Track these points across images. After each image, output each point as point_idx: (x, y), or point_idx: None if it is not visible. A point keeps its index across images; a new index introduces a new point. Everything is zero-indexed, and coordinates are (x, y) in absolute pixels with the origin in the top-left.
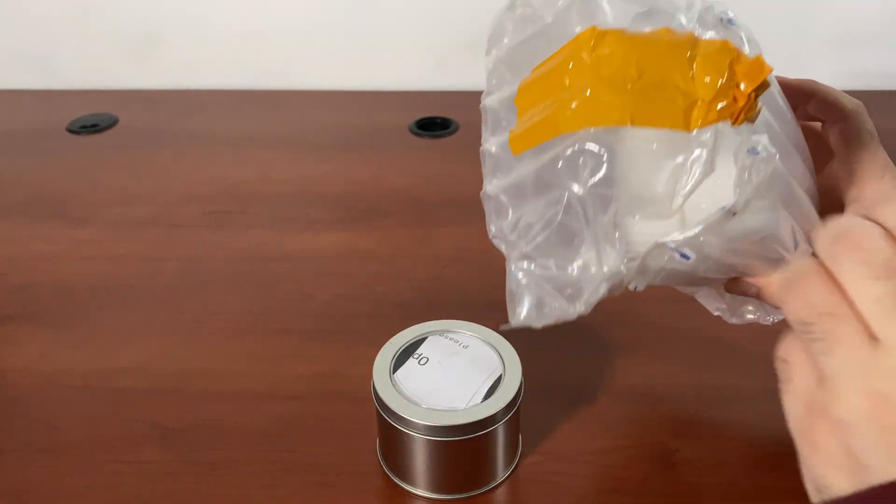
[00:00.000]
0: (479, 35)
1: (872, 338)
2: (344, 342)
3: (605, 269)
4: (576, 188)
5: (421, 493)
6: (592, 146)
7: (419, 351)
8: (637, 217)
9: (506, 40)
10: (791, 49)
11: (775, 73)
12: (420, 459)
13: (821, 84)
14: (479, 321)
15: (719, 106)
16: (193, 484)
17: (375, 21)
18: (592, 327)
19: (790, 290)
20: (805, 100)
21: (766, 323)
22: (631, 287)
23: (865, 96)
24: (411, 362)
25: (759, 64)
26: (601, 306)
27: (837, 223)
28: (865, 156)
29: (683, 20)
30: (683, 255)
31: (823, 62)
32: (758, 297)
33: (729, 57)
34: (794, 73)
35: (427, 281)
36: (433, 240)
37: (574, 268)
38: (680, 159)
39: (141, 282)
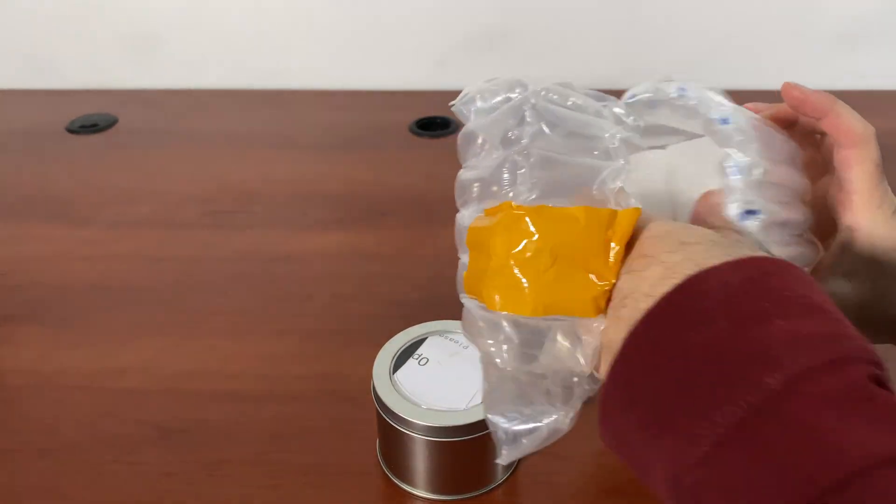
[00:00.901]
0: (479, 35)
1: None
2: (344, 342)
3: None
4: (508, 368)
5: (421, 494)
6: (512, 333)
7: (419, 351)
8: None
9: (469, 172)
10: (792, 49)
11: (782, 76)
12: (420, 460)
13: (837, 104)
14: None
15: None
16: (193, 484)
17: (375, 21)
18: None
19: None
20: (818, 115)
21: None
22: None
23: (865, 96)
24: (411, 363)
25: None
26: None
27: None
28: (867, 186)
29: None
30: None
31: (823, 62)
32: None
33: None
34: (795, 74)
35: (427, 281)
36: (433, 240)
37: (540, 421)
38: (589, 340)
39: (141, 282)
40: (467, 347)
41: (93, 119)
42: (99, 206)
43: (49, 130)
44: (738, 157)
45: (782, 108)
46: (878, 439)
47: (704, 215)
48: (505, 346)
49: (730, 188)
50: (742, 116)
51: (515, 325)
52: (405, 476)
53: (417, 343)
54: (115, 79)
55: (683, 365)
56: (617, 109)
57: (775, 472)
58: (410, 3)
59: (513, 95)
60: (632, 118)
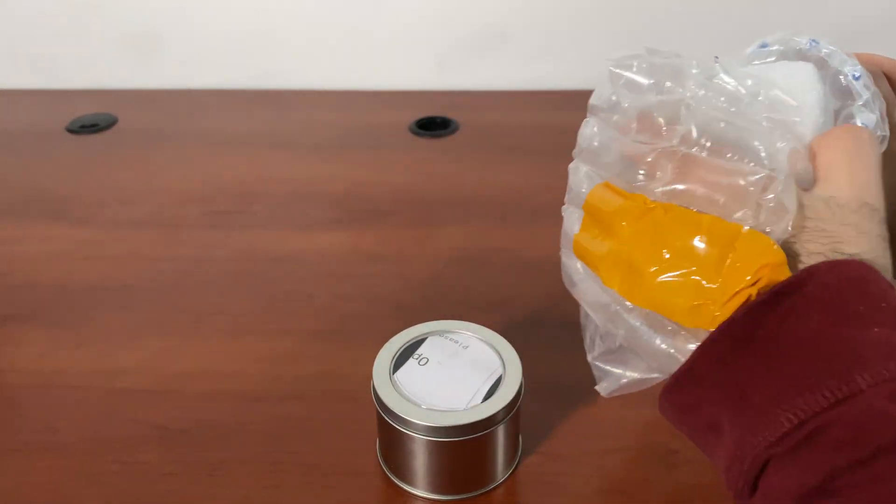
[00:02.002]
0: (479, 35)
1: None
2: (344, 342)
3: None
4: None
5: (421, 494)
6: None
7: (419, 351)
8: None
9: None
10: None
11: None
12: (420, 460)
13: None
14: (479, 321)
15: (716, 313)
16: (193, 484)
17: (375, 21)
18: None
19: None
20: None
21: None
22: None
23: None
24: (411, 363)
25: (778, 268)
26: None
27: None
28: None
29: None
30: None
31: None
32: None
33: (760, 258)
34: None
35: (427, 281)
36: (433, 240)
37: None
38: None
39: (141, 282)
40: (467, 347)
41: (93, 119)
42: (99, 206)
43: (49, 130)
44: (866, 117)
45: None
46: None
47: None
48: (616, 320)
49: None
50: (868, 74)
51: (626, 309)
52: (405, 476)
53: (417, 343)
54: (116, 79)
55: (775, 353)
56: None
57: (838, 458)
58: (410, 3)
59: (669, 84)
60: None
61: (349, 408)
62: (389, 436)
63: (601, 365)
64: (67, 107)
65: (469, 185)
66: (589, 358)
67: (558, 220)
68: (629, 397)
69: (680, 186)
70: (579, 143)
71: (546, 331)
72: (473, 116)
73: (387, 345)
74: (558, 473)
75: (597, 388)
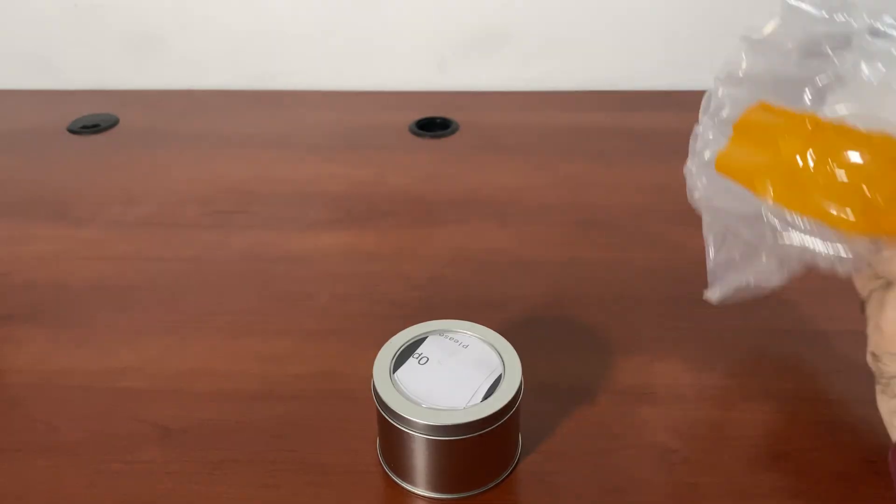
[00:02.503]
0: (479, 35)
1: None
2: (344, 342)
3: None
4: (768, 243)
5: (421, 493)
6: (775, 221)
7: (419, 351)
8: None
9: (742, 68)
10: None
11: None
12: (420, 459)
13: None
14: (479, 321)
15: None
16: (193, 484)
17: (375, 21)
18: (592, 327)
19: None
20: None
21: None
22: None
23: None
24: (411, 362)
25: None
26: (600, 306)
27: None
28: None
29: None
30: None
31: None
32: None
33: None
34: None
35: (427, 281)
36: (433, 240)
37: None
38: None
39: (141, 282)
40: (467, 347)
41: (94, 119)
42: (99, 206)
43: (50, 131)
44: None
45: None
46: None
47: None
48: (767, 232)
49: None
50: None
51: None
52: (405, 475)
53: (417, 342)
54: (117, 79)
55: None
56: None
57: None
58: (410, 3)
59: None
60: None
61: (349, 407)
62: (389, 435)
63: (718, 272)
64: (69, 107)
65: (469, 185)
66: (708, 265)
67: (558, 220)
68: (628, 398)
69: (847, 109)
70: (725, 68)
71: (546, 331)
72: (473, 117)
73: (387, 344)
74: (558, 473)
75: (706, 295)
